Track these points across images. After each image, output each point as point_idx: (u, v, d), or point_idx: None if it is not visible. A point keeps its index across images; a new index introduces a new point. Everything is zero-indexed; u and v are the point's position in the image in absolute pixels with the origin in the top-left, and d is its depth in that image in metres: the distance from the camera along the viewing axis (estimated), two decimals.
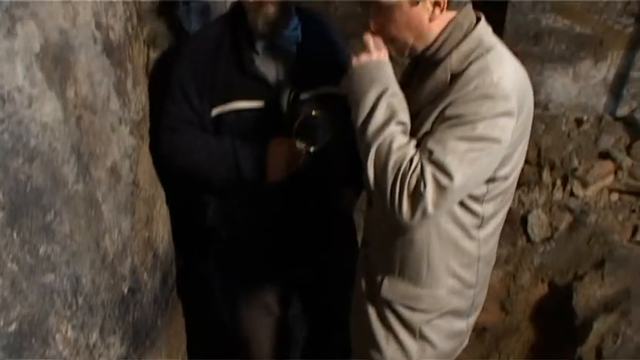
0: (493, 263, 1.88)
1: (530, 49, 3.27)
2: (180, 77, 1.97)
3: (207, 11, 2.65)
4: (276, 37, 1.92)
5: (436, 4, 1.46)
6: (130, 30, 1.86)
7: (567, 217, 3.03)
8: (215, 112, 1.97)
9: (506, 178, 1.61)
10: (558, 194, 3.11)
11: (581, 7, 3.07)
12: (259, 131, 1.97)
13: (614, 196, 3.03)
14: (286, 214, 2.08)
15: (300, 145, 1.88)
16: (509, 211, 3.14)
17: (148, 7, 2.10)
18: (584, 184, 3.06)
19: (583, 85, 3.34)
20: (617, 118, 3.31)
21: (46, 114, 1.40)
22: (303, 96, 1.97)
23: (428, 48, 1.54)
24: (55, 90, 1.43)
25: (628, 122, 3.25)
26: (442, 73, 1.51)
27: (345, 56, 2.08)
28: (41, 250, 1.37)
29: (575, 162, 3.17)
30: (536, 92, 3.42)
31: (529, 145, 3.32)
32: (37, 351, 1.33)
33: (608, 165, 3.10)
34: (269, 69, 1.95)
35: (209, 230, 2.16)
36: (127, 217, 1.80)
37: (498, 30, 3.30)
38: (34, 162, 1.35)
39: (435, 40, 1.52)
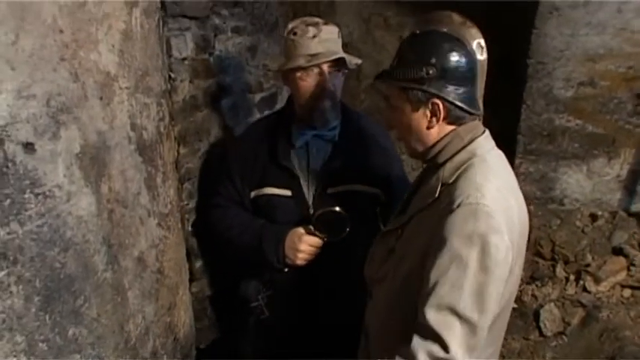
0: None
1: (545, 147, 3.39)
2: (230, 164, 2.24)
3: (237, 109, 2.87)
4: (322, 130, 2.13)
5: (433, 113, 1.54)
6: (162, 129, 2.04)
7: (580, 312, 3.04)
8: (253, 194, 2.19)
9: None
10: (571, 289, 3.13)
11: (592, 109, 3.20)
12: (286, 217, 2.15)
13: (627, 292, 3.04)
14: (304, 296, 2.18)
15: (318, 235, 2.05)
16: (523, 305, 3.19)
17: (179, 107, 2.30)
18: (597, 280, 3.08)
19: (597, 181, 3.42)
20: (630, 214, 3.36)
21: (82, 208, 1.56)
22: (330, 190, 2.13)
23: (427, 153, 1.62)
24: (90, 186, 1.59)
25: None
26: (435, 181, 1.58)
27: (384, 156, 2.24)
28: (70, 333, 1.49)
29: (589, 257, 3.21)
30: (551, 188, 3.55)
31: (544, 240, 3.41)
32: None
33: (621, 261, 3.13)
34: (302, 163, 2.14)
35: (241, 301, 2.29)
36: (151, 303, 1.92)
37: (513, 129, 3.48)
38: (68, 251, 1.50)
39: (434, 146, 1.59)
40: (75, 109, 1.53)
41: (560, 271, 3.29)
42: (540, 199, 3.61)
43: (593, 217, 3.50)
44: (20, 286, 1.33)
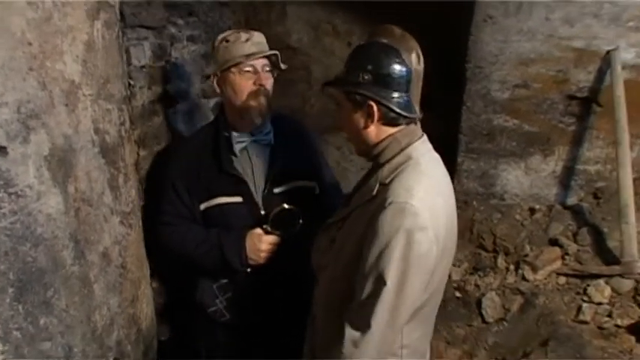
0: (424, 351, 1.99)
1: (485, 146, 3.61)
2: (172, 178, 2.29)
3: (192, 113, 3.00)
4: (259, 135, 2.25)
5: (369, 114, 1.69)
6: (123, 133, 2.17)
7: (519, 300, 3.25)
8: (202, 206, 2.27)
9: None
10: (511, 278, 3.35)
11: (527, 109, 3.42)
12: (240, 222, 2.26)
13: (562, 280, 3.27)
14: (266, 293, 2.32)
15: (275, 233, 2.20)
16: (466, 294, 3.40)
17: (138, 112, 2.43)
18: (534, 269, 3.30)
19: (534, 177, 3.66)
20: (566, 207, 3.61)
21: (51, 206, 1.68)
22: (276, 190, 2.27)
23: (370, 152, 1.77)
24: (58, 186, 1.72)
25: (575, 211, 3.55)
26: (374, 182, 1.73)
27: (314, 152, 2.40)
28: (41, 322, 1.61)
29: (528, 248, 3.44)
30: (492, 184, 3.78)
31: (486, 233, 3.63)
32: None
33: (556, 251, 3.35)
34: (246, 168, 2.26)
35: (198, 307, 2.38)
36: (116, 296, 2.05)
37: (456, 129, 3.70)
38: (39, 247, 1.62)
39: (375, 147, 1.74)
40: (43, 115, 1.66)
41: (501, 261, 3.50)
42: (482, 194, 3.83)
43: (532, 211, 3.73)
44: None
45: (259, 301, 2.29)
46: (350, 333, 1.66)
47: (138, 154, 2.43)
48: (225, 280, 2.30)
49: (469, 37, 3.30)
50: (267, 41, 2.25)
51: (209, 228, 2.27)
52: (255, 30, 2.26)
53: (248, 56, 2.15)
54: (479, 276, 3.44)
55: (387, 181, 1.68)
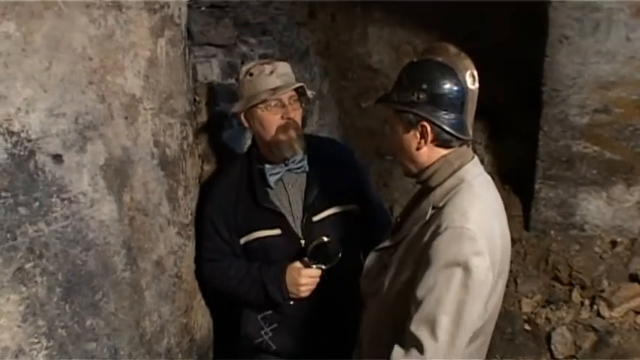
0: None
1: (564, 173, 3.46)
2: (211, 216, 2.28)
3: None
4: (292, 164, 2.22)
5: (422, 135, 1.65)
6: (185, 147, 2.25)
7: (592, 337, 3.08)
8: (242, 240, 2.27)
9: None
10: (585, 314, 3.18)
11: (609, 135, 3.26)
12: (280, 254, 2.24)
13: None
14: (310, 322, 2.28)
15: (314, 265, 2.16)
16: (536, 327, 3.26)
17: (203, 127, 2.51)
18: (611, 305, 3.12)
19: (617, 207, 3.46)
20: None
21: (104, 213, 1.77)
22: (315, 218, 2.24)
23: (420, 175, 1.74)
24: (113, 195, 1.80)
25: None
26: (426, 206, 1.68)
27: (352, 173, 2.38)
28: (87, 323, 1.69)
29: (605, 283, 3.25)
30: (571, 214, 3.62)
31: (562, 265, 3.47)
32: None
33: (635, 288, 3.16)
34: (282, 200, 2.25)
35: (244, 339, 2.37)
36: (168, 304, 2.11)
37: (533, 155, 3.57)
38: (90, 251, 1.71)
39: (426, 170, 1.70)
40: (101, 127, 1.75)
41: (576, 295, 3.34)
42: (561, 224, 3.67)
43: (613, 244, 3.55)
44: (44, 277, 1.54)
45: (304, 330, 2.27)
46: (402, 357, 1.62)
47: (202, 168, 2.51)
48: (269, 312, 2.29)
49: (544, 58, 3.19)
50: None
51: (251, 261, 2.27)
52: (279, 59, 2.25)
53: (274, 90, 2.12)
54: (551, 309, 3.30)
55: (441, 204, 1.64)
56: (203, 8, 2.50)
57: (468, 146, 1.73)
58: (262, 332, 2.27)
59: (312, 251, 2.11)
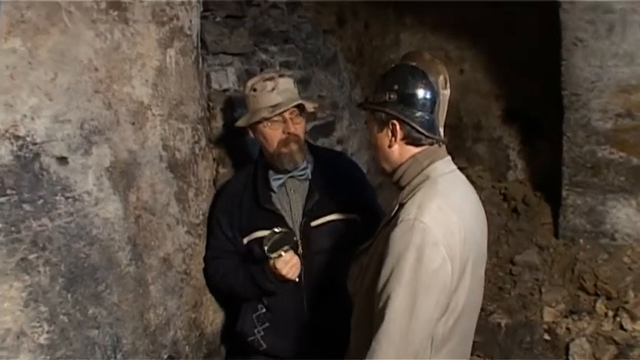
0: None
1: (590, 180, 3.41)
2: (217, 215, 2.43)
3: None
4: (294, 172, 2.33)
5: (392, 133, 1.74)
6: (197, 151, 2.39)
7: (612, 350, 3.02)
8: (245, 240, 2.39)
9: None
10: (607, 325, 3.12)
11: (634, 141, 3.19)
12: None
13: None
14: (302, 325, 2.34)
15: (278, 253, 2.18)
16: (556, 337, 3.23)
17: (219, 132, 2.65)
18: (633, 318, 3.06)
19: None
20: None
21: (109, 212, 1.91)
22: (314, 223, 2.33)
23: (393, 175, 1.81)
24: (119, 194, 1.95)
25: None
26: (395, 202, 1.76)
27: (354, 184, 2.46)
28: (89, 311, 1.83)
29: (631, 294, 3.20)
30: (601, 222, 3.57)
31: (588, 274, 3.42)
32: None
33: None
34: (283, 203, 2.36)
35: (239, 336, 2.45)
36: (174, 299, 2.24)
37: (559, 160, 3.54)
38: (93, 245, 1.85)
39: (397, 169, 1.78)
40: (107, 132, 1.90)
41: (600, 306, 3.30)
42: (590, 232, 3.63)
43: None
44: (47, 268, 1.69)
45: (295, 332, 2.34)
46: (367, 354, 1.69)
47: (217, 171, 2.63)
48: (263, 311, 2.39)
49: (561, 62, 3.16)
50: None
51: (253, 260, 2.35)
52: (282, 75, 2.35)
53: (273, 107, 2.24)
54: (572, 319, 3.26)
55: (405, 201, 1.71)
56: (218, 19, 2.63)
57: (440, 146, 1.79)
58: (255, 330, 2.36)
59: (270, 246, 2.16)
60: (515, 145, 4.29)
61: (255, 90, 2.29)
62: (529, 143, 4.22)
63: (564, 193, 3.59)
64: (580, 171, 3.45)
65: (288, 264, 2.20)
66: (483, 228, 1.84)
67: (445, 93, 1.74)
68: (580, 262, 3.56)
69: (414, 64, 1.73)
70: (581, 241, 3.67)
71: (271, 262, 2.20)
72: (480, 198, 4.35)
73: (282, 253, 2.18)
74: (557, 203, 3.79)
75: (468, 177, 4.45)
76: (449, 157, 1.80)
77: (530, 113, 4.18)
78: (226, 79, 2.69)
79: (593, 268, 3.47)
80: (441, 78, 1.73)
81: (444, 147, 1.81)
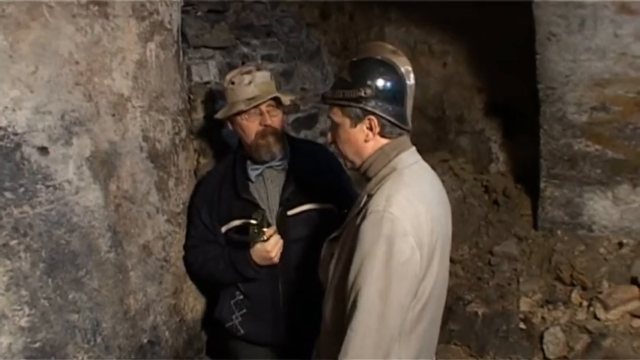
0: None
1: (568, 172, 3.48)
2: (197, 206, 2.50)
3: None
4: (272, 163, 2.39)
5: (369, 128, 1.77)
6: (177, 142, 2.45)
7: (585, 339, 3.09)
8: (223, 229, 2.46)
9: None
10: (581, 315, 3.19)
11: (609, 134, 3.25)
12: None
13: (637, 322, 3.06)
14: (278, 312, 2.42)
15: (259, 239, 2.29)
16: (531, 326, 3.31)
17: (200, 124, 2.71)
18: (606, 307, 3.12)
19: (624, 208, 3.45)
20: None
21: (89, 200, 1.98)
22: (290, 213, 2.41)
23: (361, 167, 1.85)
24: (99, 183, 2.02)
25: None
26: (363, 193, 1.82)
27: (331, 175, 2.52)
28: (70, 296, 1.91)
29: (606, 285, 3.26)
30: (578, 214, 3.64)
31: (564, 265, 3.50)
32: None
33: (634, 290, 3.15)
34: (261, 193, 2.42)
35: (217, 322, 2.51)
36: (154, 285, 2.32)
37: (536, 153, 3.62)
38: (74, 233, 1.92)
39: (365, 162, 1.83)
40: (87, 123, 1.97)
41: (575, 296, 3.36)
42: (569, 224, 3.69)
43: (620, 245, 3.54)
44: (28, 254, 1.76)
45: (271, 318, 2.41)
46: (344, 340, 1.76)
47: (198, 161, 2.70)
48: (241, 297, 2.45)
49: (535, 56, 3.23)
50: None
51: (231, 248, 2.43)
52: (259, 68, 2.40)
53: (250, 100, 2.30)
54: (548, 309, 3.33)
55: (373, 192, 1.77)
56: (200, 13, 2.69)
57: (407, 136, 1.84)
58: (233, 317, 2.43)
59: (257, 230, 2.25)
60: (498, 138, 4.35)
61: (233, 83, 2.35)
62: (511, 136, 4.28)
63: (542, 185, 3.66)
64: (557, 163, 3.52)
65: (276, 245, 2.28)
66: (448, 215, 1.91)
67: (411, 84, 1.78)
68: (557, 253, 3.63)
69: (379, 57, 1.77)
70: (559, 232, 3.74)
71: (258, 245, 2.28)
72: (462, 190, 4.41)
73: (272, 234, 2.27)
74: (536, 195, 3.86)
75: (451, 169, 4.52)
76: (414, 148, 1.86)
77: (512, 107, 4.24)
78: (207, 72, 2.76)
79: (569, 259, 3.54)
80: (406, 69, 1.77)
81: (409, 138, 1.87)
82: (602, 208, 3.58)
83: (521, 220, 4.03)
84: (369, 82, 1.75)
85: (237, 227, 2.38)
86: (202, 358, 2.71)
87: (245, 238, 2.32)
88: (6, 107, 1.69)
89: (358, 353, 1.67)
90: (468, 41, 4.26)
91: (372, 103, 1.75)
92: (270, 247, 2.28)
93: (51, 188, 1.84)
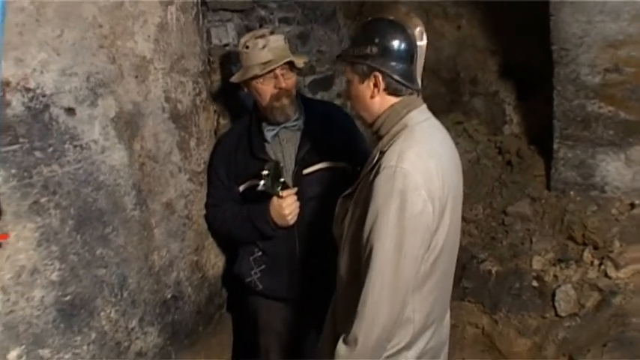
0: (441, 317, 2.04)
1: (580, 133, 3.49)
2: (215, 166, 2.58)
3: None
4: (287, 123, 2.46)
5: (375, 84, 1.84)
6: (198, 102, 2.51)
7: (595, 296, 3.14)
8: (241, 188, 2.54)
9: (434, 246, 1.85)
10: (592, 273, 3.24)
11: (622, 95, 3.24)
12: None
13: None
14: (296, 268, 2.50)
15: (283, 193, 2.36)
16: (543, 284, 3.38)
17: (218, 86, 2.77)
18: (617, 266, 3.18)
19: (637, 170, 3.47)
20: None
21: (115, 159, 2.05)
22: (305, 171, 2.48)
23: (373, 125, 1.92)
24: (124, 143, 2.09)
25: None
26: (375, 150, 1.89)
27: (345, 134, 2.58)
28: (97, 252, 1.99)
29: (617, 244, 3.31)
30: (591, 175, 3.67)
31: (576, 225, 3.55)
32: (84, 320, 1.93)
33: None
34: (276, 152, 2.49)
35: (237, 278, 2.62)
36: (177, 242, 2.40)
37: (550, 115, 3.64)
38: (100, 191, 2.00)
39: (377, 119, 1.89)
40: (112, 84, 2.03)
41: (587, 255, 3.41)
42: (581, 185, 3.71)
43: (632, 206, 3.58)
44: (58, 211, 1.84)
45: (288, 274, 2.50)
46: (362, 293, 1.81)
47: (218, 122, 2.76)
48: (259, 254, 2.54)
49: (550, 17, 3.22)
50: None
51: (250, 206, 2.49)
52: (272, 32, 2.44)
53: (264, 65, 2.35)
54: (560, 267, 3.39)
55: (385, 149, 1.83)
56: None
57: (417, 95, 1.90)
58: (252, 272, 2.52)
59: (272, 182, 2.31)
60: (511, 100, 4.35)
61: (247, 47, 2.39)
62: (524, 98, 4.29)
63: (556, 147, 3.68)
64: (570, 125, 3.53)
65: (291, 206, 2.36)
66: (459, 171, 1.97)
67: (422, 44, 1.83)
68: (570, 213, 3.67)
69: (391, 17, 1.82)
70: (571, 193, 3.77)
71: (274, 200, 2.37)
72: (476, 151, 4.43)
73: (290, 194, 2.36)
74: (549, 156, 3.88)
75: (465, 130, 4.54)
76: (424, 106, 1.91)
77: (525, 69, 4.24)
78: (226, 35, 2.79)
79: (582, 219, 3.58)
80: (418, 30, 1.82)
81: (420, 96, 1.92)
82: (614, 170, 3.59)
83: (534, 180, 4.06)
84: (376, 41, 1.81)
85: (254, 186, 2.44)
86: (223, 314, 2.81)
87: (264, 200, 2.39)
88: (34, 69, 1.75)
89: (376, 304, 1.75)
90: (482, 4, 4.24)
91: (380, 60, 1.81)
92: (286, 205, 2.34)
93: (78, 148, 1.91)
